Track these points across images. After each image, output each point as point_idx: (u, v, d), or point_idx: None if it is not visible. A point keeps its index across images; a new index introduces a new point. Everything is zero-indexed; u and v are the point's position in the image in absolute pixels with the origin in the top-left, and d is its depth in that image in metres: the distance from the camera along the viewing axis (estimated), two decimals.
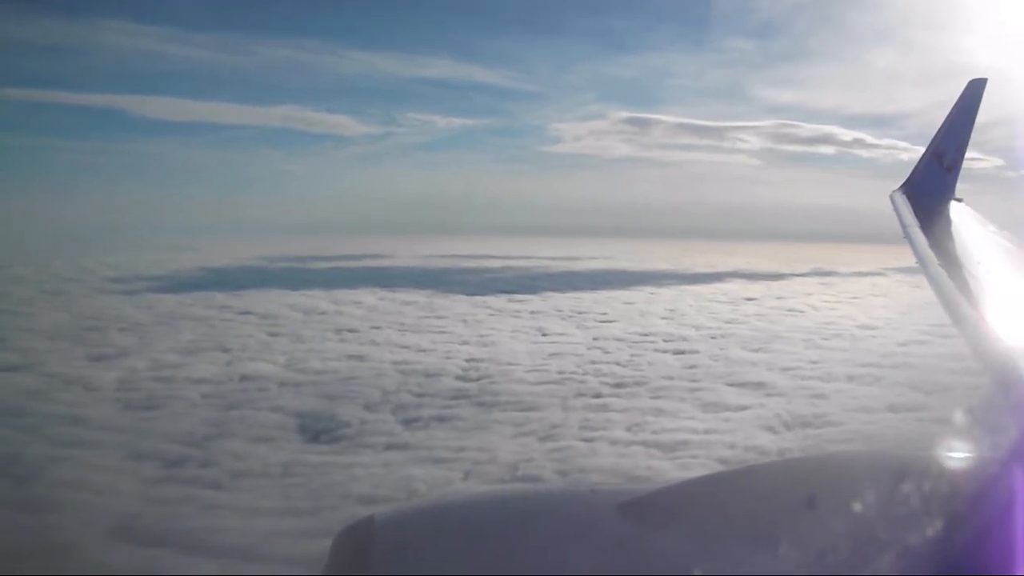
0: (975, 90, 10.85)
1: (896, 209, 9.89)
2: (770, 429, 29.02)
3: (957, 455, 3.18)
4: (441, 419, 29.45)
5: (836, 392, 34.60)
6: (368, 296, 70.39)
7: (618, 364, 40.37)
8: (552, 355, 42.20)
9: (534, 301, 68.63)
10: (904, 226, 9.09)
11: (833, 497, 2.96)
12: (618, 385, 35.32)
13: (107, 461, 24.37)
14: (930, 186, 10.49)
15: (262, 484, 22.36)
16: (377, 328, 51.71)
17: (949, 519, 2.72)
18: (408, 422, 29.11)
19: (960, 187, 10.49)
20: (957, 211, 9.96)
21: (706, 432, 28.70)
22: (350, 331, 50.19)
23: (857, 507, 2.85)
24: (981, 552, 2.62)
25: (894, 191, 10.71)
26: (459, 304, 65.14)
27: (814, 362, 40.62)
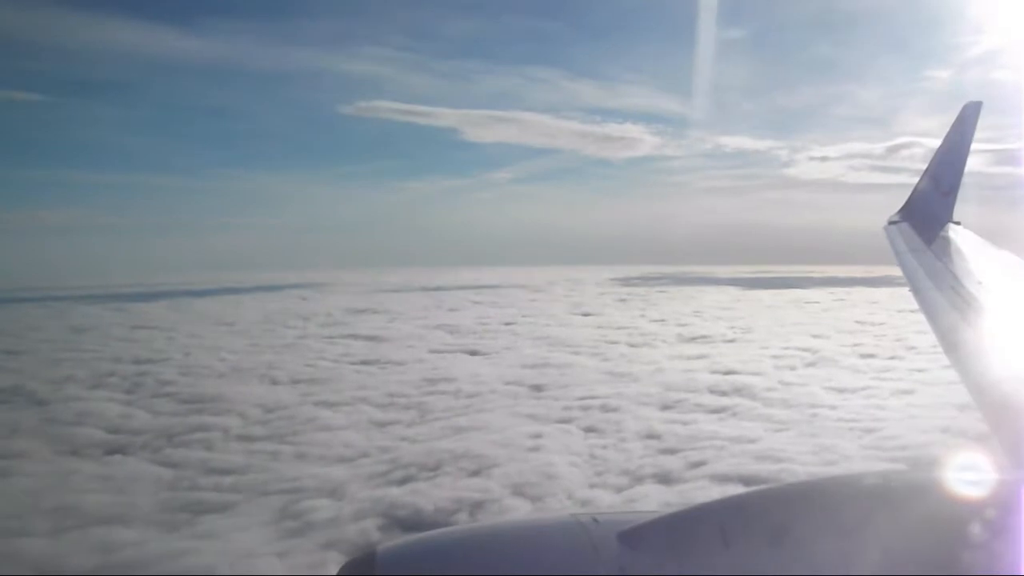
0: (970, 114, 11.42)
1: (890, 240, 10.45)
2: None
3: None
4: None
5: None
6: None
7: None
8: None
9: None
10: (897, 255, 9.69)
11: (840, 522, 3.01)
12: None
13: None
14: (928, 210, 10.89)
15: None
16: None
17: (951, 538, 2.92)
18: None
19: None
20: (956, 233, 10.24)
21: None
22: None
23: (862, 531, 2.95)
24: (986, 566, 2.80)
25: (889, 219, 11.33)
26: None
27: None
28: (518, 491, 32.86)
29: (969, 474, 3.30)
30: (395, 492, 32.48)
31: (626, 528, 3.16)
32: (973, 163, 11.67)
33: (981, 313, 7.06)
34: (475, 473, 34.97)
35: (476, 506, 31.23)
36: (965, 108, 11.46)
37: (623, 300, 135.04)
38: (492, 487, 33.08)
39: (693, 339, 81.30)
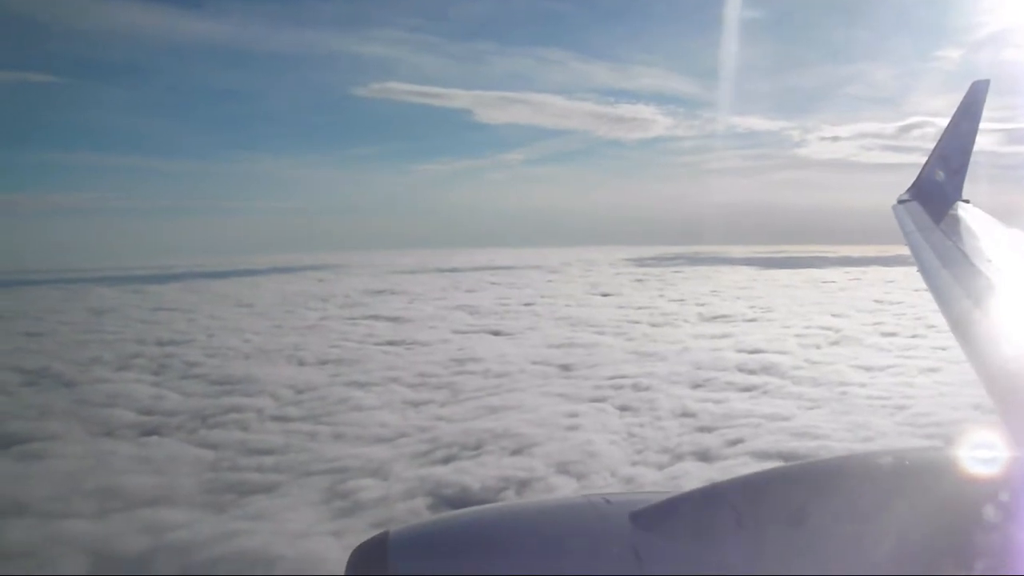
0: (978, 92, 11.38)
1: (898, 219, 10.48)
2: None
3: (961, 454, 3.26)
4: None
5: None
6: None
7: None
8: None
9: None
10: (905, 234, 9.72)
11: (851, 501, 3.01)
12: None
13: None
14: (937, 189, 10.92)
15: None
16: None
17: (967, 518, 2.89)
18: None
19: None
20: (965, 211, 10.20)
21: None
22: None
23: (873, 511, 2.94)
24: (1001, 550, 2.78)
25: (899, 198, 11.33)
26: None
27: None
28: (562, 469, 32.81)
29: (985, 453, 3.30)
30: (440, 471, 32.49)
31: (639, 508, 3.15)
32: (983, 142, 11.68)
33: (990, 291, 7.05)
34: (516, 452, 34.95)
35: (522, 484, 31.21)
36: (973, 86, 11.41)
37: (640, 280, 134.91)
38: (536, 465, 33.05)
39: (714, 318, 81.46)
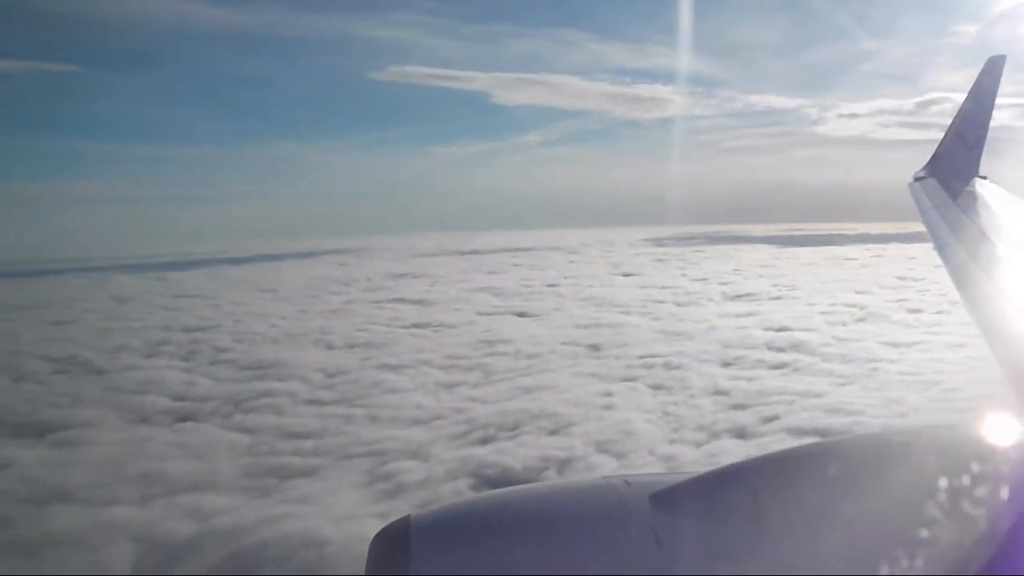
0: (994, 68, 11.23)
1: (914, 196, 10.35)
2: None
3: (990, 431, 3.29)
4: None
5: None
6: None
7: None
8: None
9: None
10: (921, 211, 9.60)
11: (870, 481, 3.02)
12: None
13: None
14: (954, 165, 10.71)
15: None
16: None
17: (985, 498, 2.82)
18: None
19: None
20: (983, 188, 10.06)
21: None
22: None
23: (897, 493, 2.93)
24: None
25: (915, 174, 11.18)
26: None
27: None
28: (601, 448, 32.82)
29: (1001, 431, 3.34)
30: (480, 452, 32.49)
31: (658, 490, 3.15)
32: (1001, 117, 11.51)
33: (1009, 268, 6.95)
34: (554, 432, 34.93)
35: (563, 464, 31.20)
36: (989, 61, 11.28)
37: (660, 260, 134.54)
38: (575, 445, 33.04)
39: (738, 297, 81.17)
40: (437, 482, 29.28)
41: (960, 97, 11.58)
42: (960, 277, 7.08)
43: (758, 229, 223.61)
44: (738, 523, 2.95)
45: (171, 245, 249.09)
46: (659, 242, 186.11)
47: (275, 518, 26.19)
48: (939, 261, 7.87)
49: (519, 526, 3.03)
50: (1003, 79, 11.16)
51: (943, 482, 2.93)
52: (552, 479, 27.99)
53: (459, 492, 27.78)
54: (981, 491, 2.90)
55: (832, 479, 3.05)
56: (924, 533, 2.79)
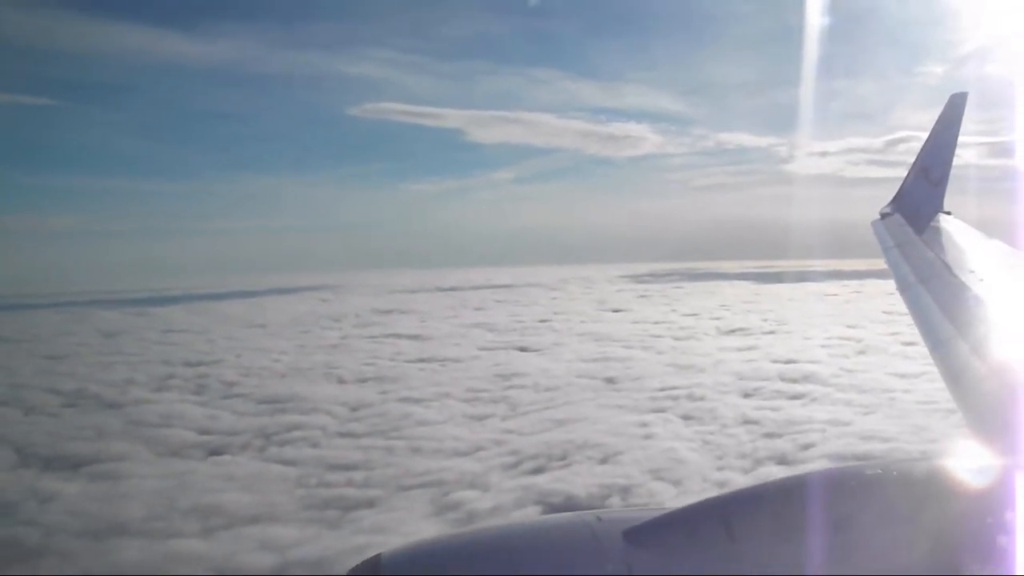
0: (957, 105, 11.48)
1: (877, 235, 10.61)
2: None
3: (953, 462, 3.45)
4: None
5: None
6: None
7: None
8: None
9: None
10: (884, 250, 9.81)
11: (842, 514, 3.08)
12: None
13: None
14: (919, 201, 11.01)
15: None
16: None
17: (954, 528, 3.05)
18: None
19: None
20: (947, 223, 10.36)
21: None
22: None
23: (865, 523, 3.04)
24: (987, 552, 2.94)
25: (880, 210, 11.43)
26: None
27: None
28: (656, 476, 32.93)
29: (972, 464, 3.48)
30: (538, 481, 32.43)
31: (631, 526, 3.15)
32: (968, 156, 11.73)
33: (971, 303, 7.06)
34: (604, 461, 35.01)
35: (624, 491, 31.29)
36: (952, 98, 11.50)
37: (644, 296, 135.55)
38: (631, 473, 33.14)
39: (732, 331, 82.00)
40: (507, 509, 29.19)
41: (927, 135, 11.68)
42: (921, 317, 7.21)
43: (731, 266, 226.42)
44: (712, 557, 3.01)
45: (144, 280, 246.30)
46: (637, 278, 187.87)
47: (360, 548, 25.87)
48: None
49: (491, 563, 3.01)
50: (968, 117, 11.37)
51: (914, 514, 3.12)
52: (527, 515, 27.84)
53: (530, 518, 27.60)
54: (951, 521, 3.09)
55: (806, 513, 3.09)
56: (897, 565, 2.97)
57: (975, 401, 5.32)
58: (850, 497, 3.15)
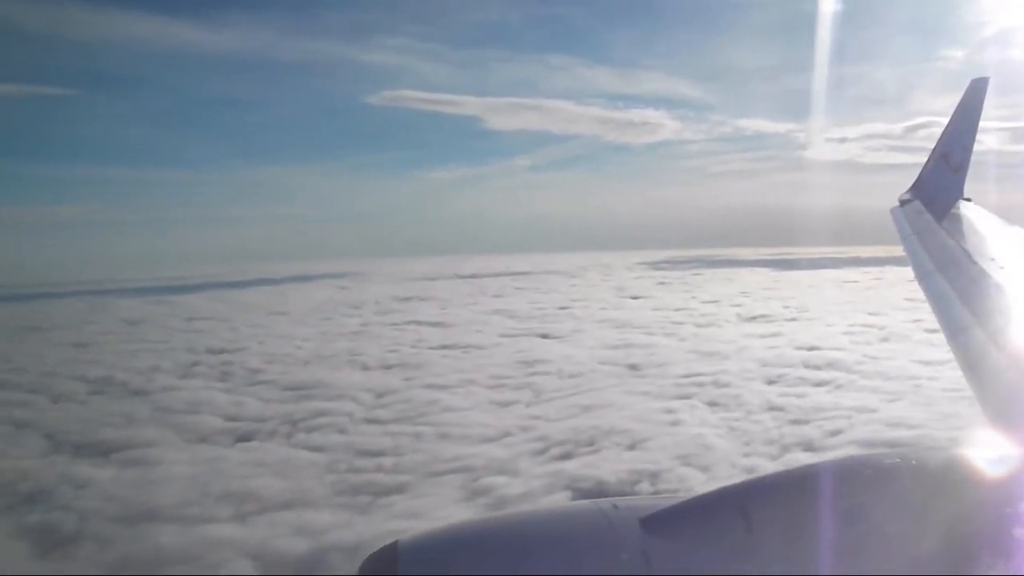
0: (978, 90, 11.29)
1: (896, 222, 10.52)
2: None
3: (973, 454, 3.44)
4: None
5: None
6: None
7: None
8: None
9: None
10: (902, 238, 9.74)
11: (858, 504, 3.09)
12: None
13: None
14: (939, 187, 10.89)
15: None
16: None
17: (969, 518, 3.03)
18: None
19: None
20: (967, 210, 10.23)
21: None
22: None
23: (884, 513, 3.04)
24: (1009, 545, 2.94)
25: (900, 197, 11.29)
26: None
27: None
28: (684, 462, 33.01)
29: (988, 454, 3.46)
30: (568, 467, 32.54)
31: (647, 514, 3.14)
32: (989, 141, 11.42)
33: (991, 290, 6.94)
34: (632, 447, 35.13)
35: (653, 476, 31.43)
36: (972, 84, 11.32)
37: (663, 283, 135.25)
38: (659, 459, 33.20)
39: (754, 318, 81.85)
40: (538, 495, 29.31)
41: (947, 120, 11.52)
42: (939, 305, 7.15)
43: (748, 252, 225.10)
44: (729, 545, 2.99)
45: (163, 269, 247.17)
46: (656, 265, 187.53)
47: (394, 533, 25.91)
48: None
49: (507, 551, 3.00)
50: (989, 103, 11.21)
51: (932, 504, 3.09)
52: (542, 503, 27.86)
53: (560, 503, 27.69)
54: (969, 512, 3.08)
55: (823, 501, 3.08)
56: (915, 556, 2.95)
57: (993, 391, 5.24)
58: (867, 488, 3.16)
